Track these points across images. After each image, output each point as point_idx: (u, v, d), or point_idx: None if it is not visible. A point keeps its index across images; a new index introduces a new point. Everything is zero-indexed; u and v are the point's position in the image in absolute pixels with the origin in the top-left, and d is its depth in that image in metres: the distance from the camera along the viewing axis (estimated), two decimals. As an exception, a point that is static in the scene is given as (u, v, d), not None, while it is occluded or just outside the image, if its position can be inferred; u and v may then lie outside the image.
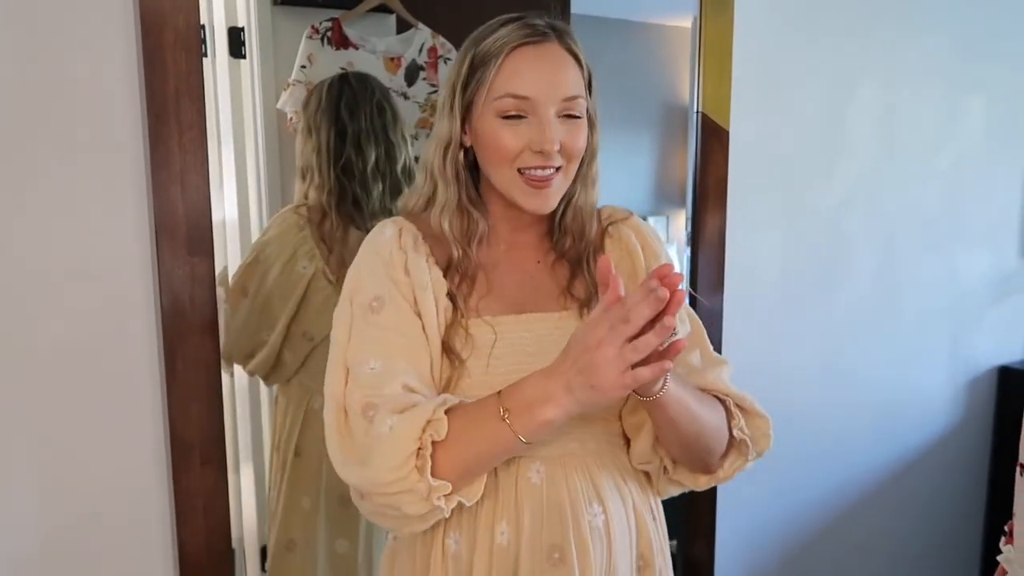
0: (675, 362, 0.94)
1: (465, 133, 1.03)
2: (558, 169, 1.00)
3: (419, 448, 0.91)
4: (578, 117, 1.01)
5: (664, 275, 0.84)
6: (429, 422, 0.92)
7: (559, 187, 1.02)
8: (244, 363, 1.56)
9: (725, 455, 1.07)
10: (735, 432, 1.04)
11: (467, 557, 1.00)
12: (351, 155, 1.54)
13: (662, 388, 0.92)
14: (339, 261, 1.51)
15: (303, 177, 1.55)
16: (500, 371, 1.00)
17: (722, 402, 1.05)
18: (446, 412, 0.93)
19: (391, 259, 1.02)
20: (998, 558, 1.12)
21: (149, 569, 1.33)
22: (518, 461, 1.01)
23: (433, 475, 0.91)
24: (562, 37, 1.01)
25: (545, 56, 0.99)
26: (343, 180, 1.53)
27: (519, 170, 1.00)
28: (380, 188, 1.56)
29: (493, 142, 1.00)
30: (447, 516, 0.96)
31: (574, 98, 0.99)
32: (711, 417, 1.01)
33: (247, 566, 1.54)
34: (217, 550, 1.35)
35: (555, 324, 1.05)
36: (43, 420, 1.25)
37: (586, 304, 1.07)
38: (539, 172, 0.99)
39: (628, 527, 1.05)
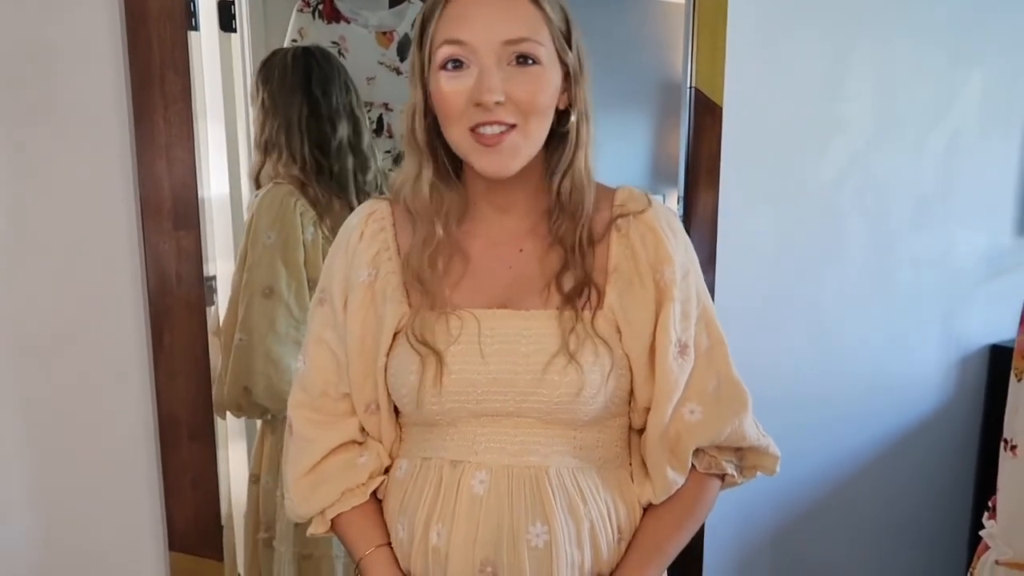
0: (689, 395, 0.97)
1: (430, 97, 0.92)
2: (513, 127, 0.88)
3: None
4: (533, 63, 0.88)
5: None
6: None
7: (515, 146, 0.89)
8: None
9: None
10: (726, 479, 1.04)
11: (408, 547, 0.97)
12: (326, 131, 1.52)
13: None
14: (333, 225, 1.50)
15: (265, 152, 1.52)
16: (452, 370, 0.92)
17: (725, 461, 1.03)
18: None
19: (346, 249, 1.00)
20: (981, 533, 1.12)
21: (139, 543, 1.34)
22: (463, 466, 0.94)
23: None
24: None
25: None
26: (317, 155, 1.52)
27: (471, 129, 0.88)
28: (351, 162, 1.55)
29: (437, 97, 0.90)
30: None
31: (520, 40, 0.87)
32: (687, 539, 1.01)
33: (236, 540, 1.54)
34: (206, 525, 1.35)
35: (525, 324, 0.93)
36: (30, 396, 1.25)
37: (569, 302, 0.93)
38: (488, 129, 0.87)
39: (580, 549, 0.95)
